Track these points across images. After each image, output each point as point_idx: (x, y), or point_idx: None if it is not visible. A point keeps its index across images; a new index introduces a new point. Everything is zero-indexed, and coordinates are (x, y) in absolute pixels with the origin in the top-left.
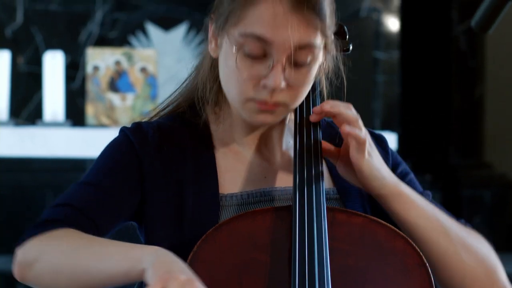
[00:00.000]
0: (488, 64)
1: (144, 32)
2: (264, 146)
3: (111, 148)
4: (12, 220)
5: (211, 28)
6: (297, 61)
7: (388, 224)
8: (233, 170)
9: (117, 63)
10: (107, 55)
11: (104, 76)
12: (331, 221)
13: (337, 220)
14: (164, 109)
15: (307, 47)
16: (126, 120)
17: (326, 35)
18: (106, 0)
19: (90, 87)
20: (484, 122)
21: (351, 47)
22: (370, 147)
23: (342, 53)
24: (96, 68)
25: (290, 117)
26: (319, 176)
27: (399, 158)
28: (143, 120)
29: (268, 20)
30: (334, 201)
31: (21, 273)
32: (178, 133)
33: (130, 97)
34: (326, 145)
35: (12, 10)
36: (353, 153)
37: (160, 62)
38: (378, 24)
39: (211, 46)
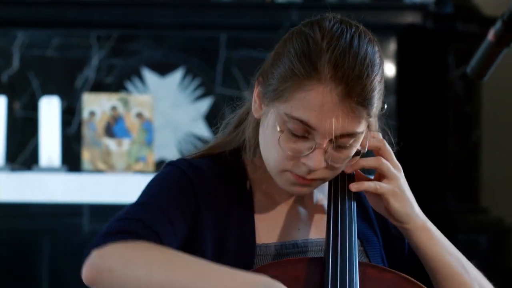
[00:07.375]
0: (484, 109)
1: (140, 78)
2: (297, 198)
3: (167, 179)
4: (9, 265)
5: (257, 89)
6: (339, 145)
7: (417, 282)
8: (270, 219)
9: (113, 108)
10: (103, 100)
11: (100, 121)
12: (362, 277)
13: (368, 275)
14: (206, 151)
15: (351, 135)
16: (122, 165)
17: (370, 118)
18: (102, 45)
19: (86, 132)
20: (481, 167)
21: (385, 106)
22: (403, 187)
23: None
24: (92, 114)
25: None
26: (352, 231)
27: None
28: (188, 158)
29: (315, 108)
30: (359, 253)
31: (95, 276)
32: (223, 174)
33: (126, 142)
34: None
35: (9, 56)
36: (386, 203)
37: (156, 108)
38: None
39: (255, 106)
